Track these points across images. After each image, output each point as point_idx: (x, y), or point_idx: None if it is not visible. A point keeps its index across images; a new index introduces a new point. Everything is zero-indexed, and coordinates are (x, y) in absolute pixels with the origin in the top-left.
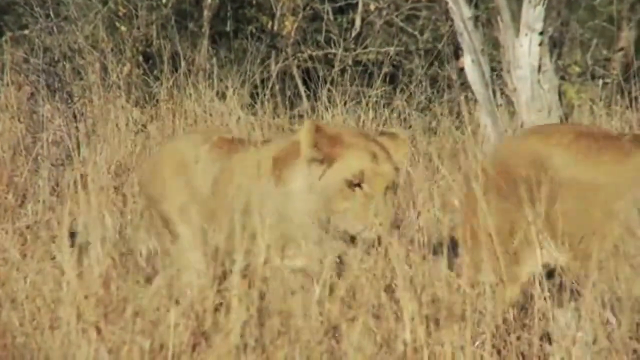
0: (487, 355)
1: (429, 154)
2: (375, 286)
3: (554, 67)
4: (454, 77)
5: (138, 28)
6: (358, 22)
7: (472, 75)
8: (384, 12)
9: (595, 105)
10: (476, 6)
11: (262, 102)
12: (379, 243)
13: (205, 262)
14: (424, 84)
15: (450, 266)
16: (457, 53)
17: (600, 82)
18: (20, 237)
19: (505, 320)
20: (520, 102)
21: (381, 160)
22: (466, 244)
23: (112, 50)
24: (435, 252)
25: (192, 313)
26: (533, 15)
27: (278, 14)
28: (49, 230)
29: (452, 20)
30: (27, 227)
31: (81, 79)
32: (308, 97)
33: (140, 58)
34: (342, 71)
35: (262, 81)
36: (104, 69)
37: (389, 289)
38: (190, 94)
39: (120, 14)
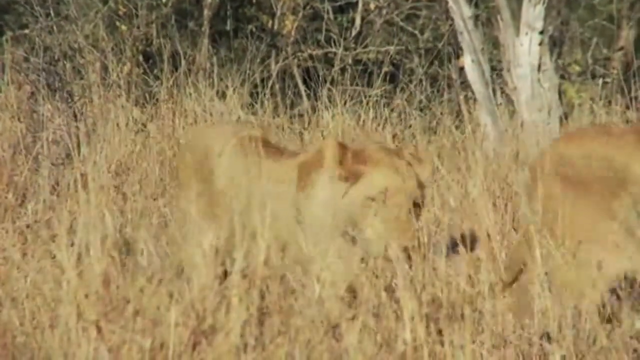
0: (487, 354)
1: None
2: (375, 285)
3: (554, 66)
4: (454, 76)
5: (138, 27)
6: (358, 21)
7: (472, 74)
8: (384, 11)
9: (595, 104)
10: (476, 5)
11: (262, 102)
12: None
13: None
14: (424, 83)
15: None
16: (457, 52)
17: (600, 81)
18: (21, 236)
19: (505, 319)
20: (520, 101)
21: (405, 177)
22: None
23: (112, 49)
24: (434, 252)
25: (192, 312)
26: (533, 14)
27: (278, 13)
28: (49, 230)
29: (452, 19)
30: (28, 226)
31: (81, 78)
32: (308, 96)
33: (141, 57)
34: (342, 70)
35: (262, 80)
36: (104, 68)
37: (389, 288)
38: (190, 94)
39: (121, 13)
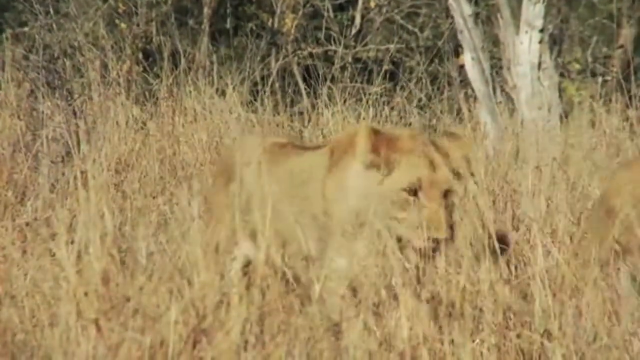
0: (487, 353)
1: None
2: (375, 283)
3: (554, 65)
4: (454, 74)
5: (138, 25)
6: (358, 20)
7: (472, 72)
8: (384, 10)
9: (595, 102)
10: (476, 3)
11: (262, 100)
12: (435, 252)
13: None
14: (424, 81)
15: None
16: (457, 50)
17: (600, 79)
18: (20, 234)
19: (505, 317)
20: (520, 99)
21: (438, 167)
22: None
23: (112, 47)
24: (435, 250)
25: (192, 310)
26: (533, 12)
27: (278, 11)
28: (49, 227)
29: (452, 17)
30: (27, 224)
31: (81, 76)
32: (308, 94)
33: (140, 55)
34: (342, 68)
35: (262, 78)
36: (104, 66)
37: (389, 287)
38: (190, 91)
39: (120, 11)
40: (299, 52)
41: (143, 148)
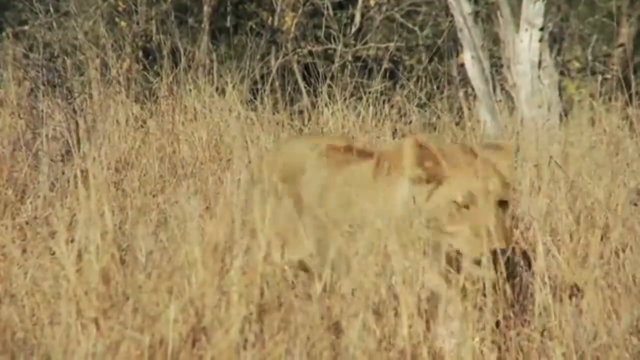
0: (487, 351)
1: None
2: (375, 282)
3: (554, 63)
4: (454, 73)
5: (138, 23)
6: (358, 18)
7: (472, 70)
8: (384, 8)
9: (595, 100)
10: (476, 2)
11: (262, 98)
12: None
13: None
14: (424, 79)
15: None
16: (457, 49)
17: (600, 77)
18: (20, 233)
19: (505, 316)
20: (520, 98)
21: (489, 178)
22: None
23: (112, 45)
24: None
25: (191, 309)
26: (533, 11)
27: (278, 9)
28: (49, 226)
29: (452, 16)
30: (27, 222)
31: (81, 74)
32: (308, 92)
33: (140, 54)
34: (342, 67)
35: (262, 77)
36: (104, 64)
37: (389, 285)
38: (190, 90)
39: (120, 9)
40: (298, 50)
41: (143, 146)
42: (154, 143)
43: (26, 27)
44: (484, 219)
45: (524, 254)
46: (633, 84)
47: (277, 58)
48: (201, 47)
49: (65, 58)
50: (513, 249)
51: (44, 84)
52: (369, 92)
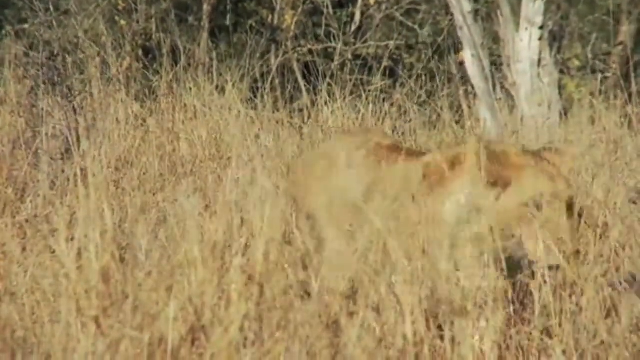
0: (487, 350)
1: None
2: (375, 281)
3: (554, 61)
4: (454, 71)
5: (138, 22)
6: (358, 16)
7: (472, 69)
8: (384, 6)
9: (595, 99)
10: (476, 0)
11: (262, 96)
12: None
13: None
14: (423, 78)
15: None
16: (457, 47)
17: (600, 76)
18: (20, 231)
19: (505, 314)
20: (520, 96)
21: (558, 181)
22: None
23: (111, 44)
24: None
25: (191, 307)
26: (533, 9)
27: (278, 7)
28: (49, 224)
29: (452, 14)
30: (27, 221)
31: (81, 73)
32: (308, 91)
33: (140, 52)
34: (342, 65)
35: (262, 75)
36: (104, 63)
37: (389, 284)
38: (190, 88)
39: (120, 7)
40: (298, 48)
41: (143, 145)
42: (154, 141)
43: (26, 26)
44: (556, 221)
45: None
46: (633, 83)
47: (277, 56)
48: (201, 45)
49: (66, 56)
50: None
51: (44, 83)
52: (369, 91)
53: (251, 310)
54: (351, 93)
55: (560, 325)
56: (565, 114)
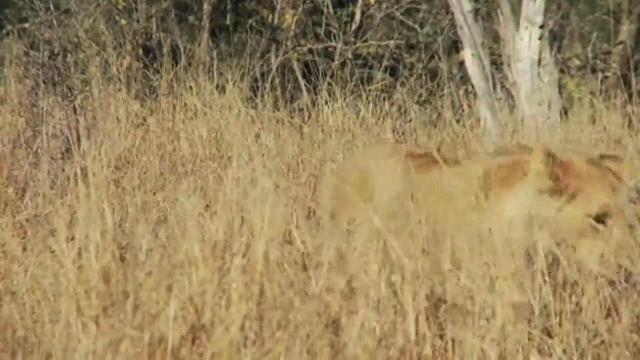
0: (488, 348)
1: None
2: (375, 279)
3: (554, 61)
4: (454, 70)
5: (138, 21)
6: (358, 16)
7: (472, 68)
8: (384, 6)
9: (595, 98)
10: (476, 0)
11: (262, 96)
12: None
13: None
14: (424, 77)
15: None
16: (457, 46)
17: (600, 75)
18: (20, 230)
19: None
20: (520, 96)
21: (622, 192)
22: None
23: (112, 43)
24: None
25: (191, 307)
26: (533, 8)
27: (278, 7)
28: (49, 224)
29: (452, 13)
30: (27, 220)
31: (81, 72)
32: (308, 90)
33: (140, 51)
34: (342, 64)
35: (262, 74)
36: (104, 62)
37: (389, 282)
38: (191, 87)
39: (120, 7)
40: (298, 48)
41: (143, 144)
42: (154, 141)
43: (27, 25)
44: (619, 236)
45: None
46: (633, 82)
47: (277, 56)
48: (201, 44)
49: (66, 56)
50: None
51: (44, 82)
52: (369, 90)
53: (251, 310)
54: (351, 92)
55: (560, 324)
56: (566, 114)
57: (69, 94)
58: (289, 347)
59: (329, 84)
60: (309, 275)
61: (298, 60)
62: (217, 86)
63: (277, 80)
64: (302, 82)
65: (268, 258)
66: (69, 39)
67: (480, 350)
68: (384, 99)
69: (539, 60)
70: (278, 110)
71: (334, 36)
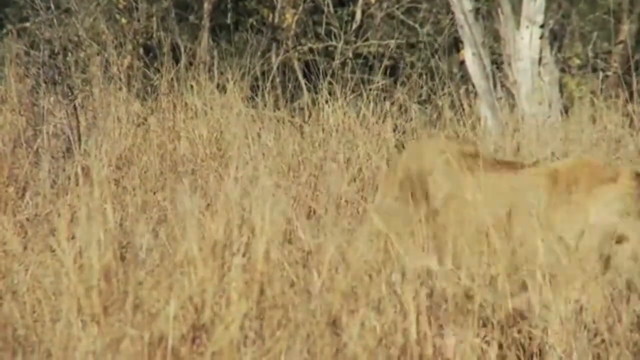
0: (488, 348)
1: None
2: (375, 279)
3: (555, 60)
4: (455, 70)
5: (138, 20)
6: (358, 15)
7: (472, 68)
8: (385, 5)
9: (596, 97)
10: None
11: (263, 95)
12: None
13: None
14: (424, 76)
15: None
16: (457, 46)
17: (601, 74)
18: (21, 230)
19: (506, 313)
20: (520, 95)
21: None
22: None
23: (112, 42)
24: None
25: (191, 306)
26: (534, 7)
27: (278, 6)
28: (50, 223)
29: (452, 13)
30: (28, 219)
31: (82, 71)
32: (309, 89)
33: (141, 51)
34: (343, 64)
35: (263, 74)
36: (105, 61)
37: (390, 282)
38: (191, 86)
39: (121, 6)
40: (299, 47)
41: (143, 144)
42: (155, 140)
43: (27, 24)
44: None
45: None
46: (634, 81)
47: (277, 55)
48: (202, 44)
49: (66, 55)
50: None
51: (45, 81)
52: (370, 89)
53: (252, 309)
54: (352, 92)
55: (560, 323)
56: (566, 113)
57: (70, 93)
58: (290, 346)
59: (330, 83)
60: (309, 274)
61: (299, 59)
62: (218, 85)
63: (277, 80)
64: (302, 81)
65: (268, 257)
66: (70, 38)
67: (480, 350)
68: (384, 98)
69: (540, 60)
70: (279, 109)
71: (335, 35)
